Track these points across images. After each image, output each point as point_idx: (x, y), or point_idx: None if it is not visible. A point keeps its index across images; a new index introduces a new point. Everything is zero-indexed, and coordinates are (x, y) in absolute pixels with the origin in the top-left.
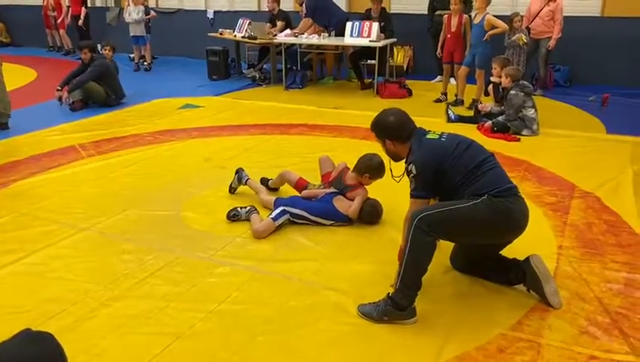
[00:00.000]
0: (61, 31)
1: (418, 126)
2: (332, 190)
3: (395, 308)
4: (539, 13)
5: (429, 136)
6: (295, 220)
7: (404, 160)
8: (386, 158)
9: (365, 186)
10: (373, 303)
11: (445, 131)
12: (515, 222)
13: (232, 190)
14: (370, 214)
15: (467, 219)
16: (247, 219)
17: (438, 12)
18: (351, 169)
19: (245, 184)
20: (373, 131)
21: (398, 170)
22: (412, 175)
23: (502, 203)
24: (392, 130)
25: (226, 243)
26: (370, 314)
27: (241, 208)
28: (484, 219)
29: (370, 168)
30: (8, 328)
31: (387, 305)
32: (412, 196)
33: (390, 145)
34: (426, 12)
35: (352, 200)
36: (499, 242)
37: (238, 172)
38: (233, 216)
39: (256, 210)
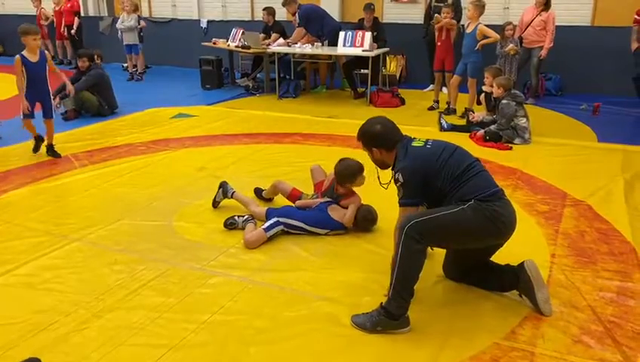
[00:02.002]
0: (65, 42)
1: (404, 134)
2: (326, 199)
3: (389, 318)
4: (531, 22)
5: (414, 144)
6: (290, 231)
7: (392, 167)
8: (372, 166)
9: (358, 194)
10: (367, 313)
11: (430, 138)
12: (503, 224)
13: (216, 204)
14: (365, 220)
15: (456, 224)
16: (244, 228)
17: (433, 21)
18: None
19: (231, 197)
20: (360, 140)
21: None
22: (399, 183)
23: (489, 206)
24: (379, 138)
25: (219, 254)
26: (363, 324)
27: (238, 217)
28: (473, 223)
29: (339, 173)
30: (0, 339)
31: (380, 315)
32: (401, 204)
33: (377, 153)
34: (418, 21)
35: (346, 208)
36: (488, 245)
37: (223, 185)
38: (230, 225)
39: (253, 219)
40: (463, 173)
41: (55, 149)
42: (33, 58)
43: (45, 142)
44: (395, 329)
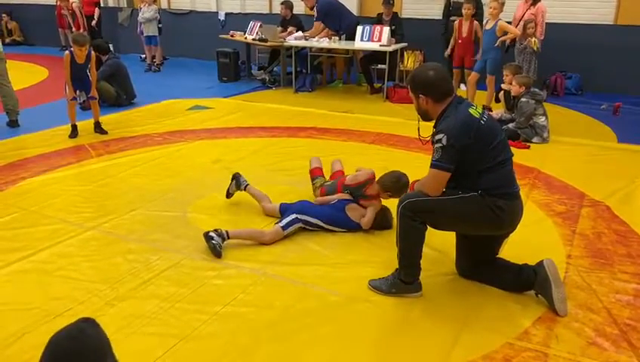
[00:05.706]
0: (84, 32)
1: (459, 95)
2: (346, 197)
3: (402, 282)
4: (522, 17)
5: (471, 111)
6: (307, 227)
7: (434, 122)
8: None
9: (381, 199)
10: (383, 277)
11: (485, 112)
12: (498, 218)
13: (229, 195)
14: (382, 222)
15: (451, 212)
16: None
17: (452, 17)
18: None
19: (244, 190)
20: (409, 83)
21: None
22: (440, 145)
23: (493, 200)
24: (429, 85)
25: (232, 245)
26: (379, 287)
27: (217, 236)
28: (468, 215)
29: (395, 188)
30: (15, 325)
31: (395, 278)
32: (433, 166)
33: (423, 101)
34: (437, 17)
35: (365, 208)
36: (487, 234)
37: (236, 177)
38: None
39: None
40: (495, 165)
41: (102, 127)
42: (79, 60)
43: (93, 121)
44: (408, 293)
